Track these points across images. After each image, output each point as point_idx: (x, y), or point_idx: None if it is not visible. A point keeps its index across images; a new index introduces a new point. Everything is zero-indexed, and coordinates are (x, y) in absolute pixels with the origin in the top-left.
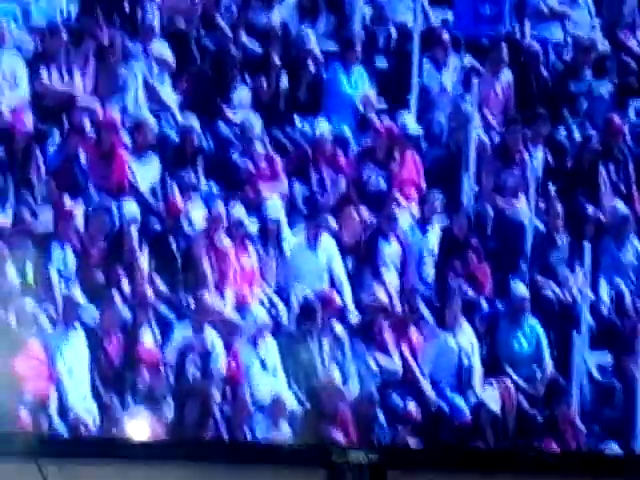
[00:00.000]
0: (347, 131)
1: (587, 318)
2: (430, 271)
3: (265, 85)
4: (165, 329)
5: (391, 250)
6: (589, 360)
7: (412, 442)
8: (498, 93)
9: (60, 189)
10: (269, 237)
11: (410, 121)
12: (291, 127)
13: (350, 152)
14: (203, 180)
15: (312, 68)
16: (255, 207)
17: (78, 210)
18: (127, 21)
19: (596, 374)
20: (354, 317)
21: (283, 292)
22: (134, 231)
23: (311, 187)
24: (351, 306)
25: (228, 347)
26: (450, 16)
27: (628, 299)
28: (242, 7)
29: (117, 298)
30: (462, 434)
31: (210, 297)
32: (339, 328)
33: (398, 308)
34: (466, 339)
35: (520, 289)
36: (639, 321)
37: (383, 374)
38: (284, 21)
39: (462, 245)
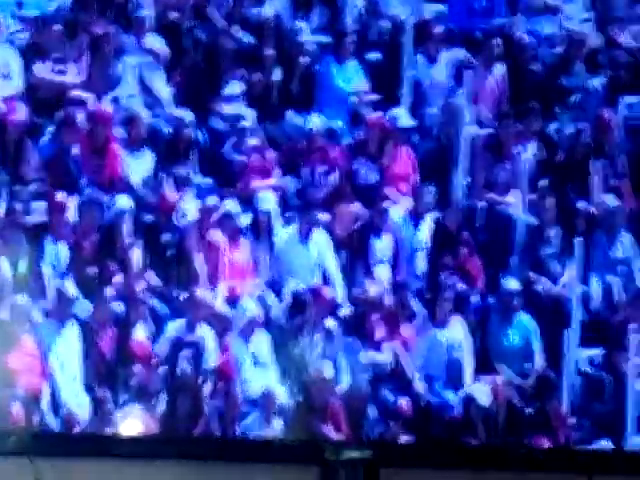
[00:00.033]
0: (340, 125)
1: (578, 313)
2: (422, 265)
3: (258, 78)
4: (157, 323)
5: (383, 244)
6: (580, 355)
7: (404, 438)
8: (491, 87)
9: (53, 182)
10: (261, 231)
11: (403, 115)
12: (284, 121)
13: (342, 146)
14: (196, 174)
15: (305, 61)
16: (247, 201)
17: (71, 204)
18: (121, 14)
19: (587, 369)
20: (346, 311)
21: (275, 286)
22: (127, 225)
23: (303, 181)
24: (343, 300)
25: (220, 341)
26: (443, 9)
27: (618, 294)
28: (235, 0)
29: (109, 292)
30: (453, 429)
31: (202, 291)
32: (331, 322)
33: (389, 302)
34: (457, 334)
35: (511, 284)
36: (630, 316)
37: (374, 369)
38: (277, 14)
39: (454, 239)
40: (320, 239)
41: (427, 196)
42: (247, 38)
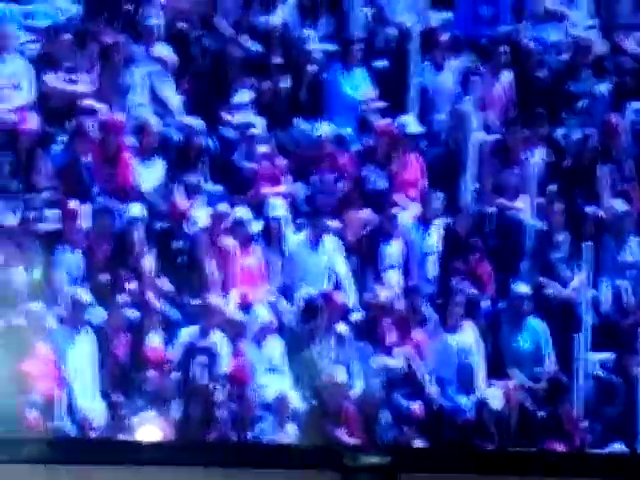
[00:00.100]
0: (348, 132)
1: (588, 317)
2: (432, 270)
3: (267, 87)
4: (171, 329)
5: (393, 250)
6: (591, 359)
7: (418, 443)
8: (498, 94)
9: (65, 191)
10: (272, 238)
11: (410, 121)
12: (293, 128)
13: (351, 153)
14: (206, 181)
15: (313, 69)
16: (258, 208)
17: (83, 212)
18: (130, 24)
19: (598, 372)
20: (357, 316)
21: (287, 292)
22: (139, 232)
23: (313, 188)
24: (354, 305)
25: (233, 347)
26: (450, 17)
27: (628, 297)
28: (243, 9)
29: (123, 299)
30: (466, 433)
31: (214, 298)
32: (343, 327)
33: (400, 307)
34: (468, 338)
35: (521, 288)
36: None
37: (386, 374)
38: (285, 23)
39: (464, 244)
40: (331, 245)
41: (436, 202)
42: (255, 47)
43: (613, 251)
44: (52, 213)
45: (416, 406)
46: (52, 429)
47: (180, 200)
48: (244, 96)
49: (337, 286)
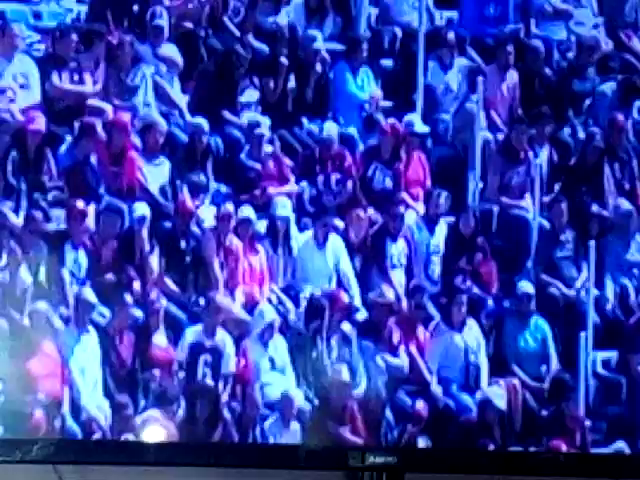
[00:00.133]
0: (354, 131)
1: (593, 315)
2: (437, 269)
3: (273, 86)
4: (176, 329)
5: (398, 249)
6: (595, 357)
7: (423, 442)
8: (503, 93)
9: (72, 191)
10: (278, 237)
11: (416, 120)
12: (299, 128)
13: (357, 152)
14: (212, 181)
15: (319, 69)
16: (264, 207)
17: (90, 211)
18: (136, 23)
19: (602, 371)
20: (362, 315)
21: (292, 291)
22: (145, 232)
23: (319, 187)
24: (359, 304)
25: (238, 346)
26: (455, 16)
27: (633, 296)
28: (250, 9)
29: (129, 298)
30: (471, 433)
31: (220, 297)
32: (347, 327)
33: (405, 306)
34: (473, 337)
35: (526, 287)
36: None
37: (391, 372)
38: (291, 22)
39: (469, 243)
40: (336, 244)
41: (441, 200)
42: (261, 46)
43: (618, 250)
44: (58, 213)
45: (420, 405)
46: (57, 429)
47: (186, 199)
48: (250, 96)
49: (342, 285)
